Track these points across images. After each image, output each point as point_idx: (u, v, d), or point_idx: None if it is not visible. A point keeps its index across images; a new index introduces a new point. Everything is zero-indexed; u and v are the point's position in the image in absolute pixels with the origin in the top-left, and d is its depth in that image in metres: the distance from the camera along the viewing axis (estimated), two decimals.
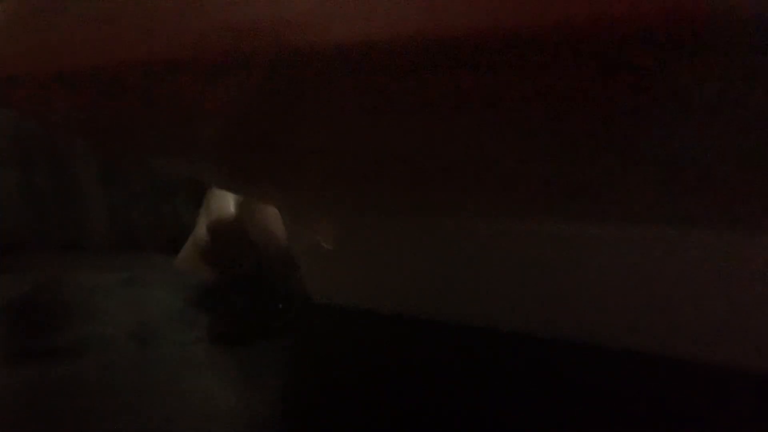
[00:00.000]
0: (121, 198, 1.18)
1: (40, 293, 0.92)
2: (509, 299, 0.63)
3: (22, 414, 0.57)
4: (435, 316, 0.65)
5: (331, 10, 0.30)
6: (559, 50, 0.27)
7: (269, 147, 0.51)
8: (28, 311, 0.85)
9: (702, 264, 0.55)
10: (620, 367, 0.57)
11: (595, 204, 0.54)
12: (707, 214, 0.53)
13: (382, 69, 0.32)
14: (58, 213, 1.18)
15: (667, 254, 0.56)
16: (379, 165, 0.51)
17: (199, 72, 0.38)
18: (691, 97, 0.30)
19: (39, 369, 0.66)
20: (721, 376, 0.54)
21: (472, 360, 0.59)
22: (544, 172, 0.46)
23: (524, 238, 0.60)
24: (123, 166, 1.18)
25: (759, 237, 0.53)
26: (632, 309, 0.59)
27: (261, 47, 0.32)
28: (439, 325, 0.65)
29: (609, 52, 0.26)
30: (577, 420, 0.49)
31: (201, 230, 0.88)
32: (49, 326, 0.78)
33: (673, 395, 0.52)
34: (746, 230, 0.53)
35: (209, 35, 0.34)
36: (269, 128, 0.47)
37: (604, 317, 0.59)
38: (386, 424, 0.50)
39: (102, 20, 0.38)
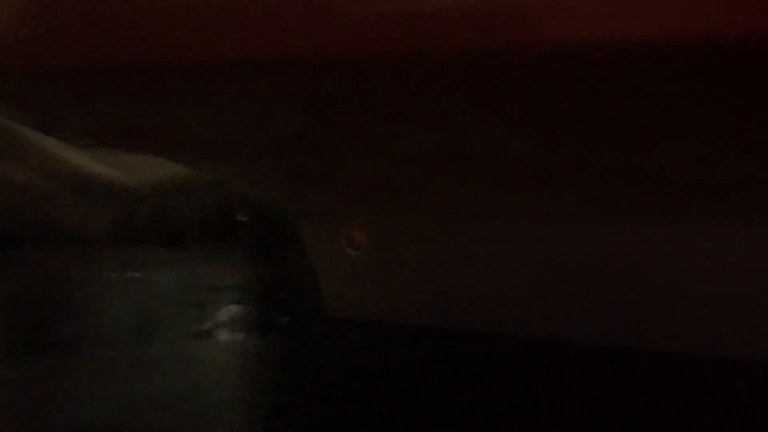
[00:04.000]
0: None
1: (41, 287, 0.91)
2: (532, 306, 0.63)
3: (23, 405, 0.57)
4: (464, 326, 0.65)
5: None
6: None
7: (322, 152, 0.51)
8: (29, 305, 0.85)
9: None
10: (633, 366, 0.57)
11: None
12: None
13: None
14: (59, 208, 1.18)
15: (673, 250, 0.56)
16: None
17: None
18: None
19: (40, 361, 0.66)
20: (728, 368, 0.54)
21: (503, 367, 0.59)
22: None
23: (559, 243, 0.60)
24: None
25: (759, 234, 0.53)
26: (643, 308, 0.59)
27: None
28: (467, 334, 0.65)
29: None
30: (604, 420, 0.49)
31: None
32: (50, 320, 0.78)
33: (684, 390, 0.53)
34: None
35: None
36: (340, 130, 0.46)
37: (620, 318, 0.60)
38: None
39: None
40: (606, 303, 0.60)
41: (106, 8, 0.38)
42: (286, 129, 0.48)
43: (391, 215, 0.67)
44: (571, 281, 0.61)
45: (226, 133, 0.50)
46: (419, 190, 0.60)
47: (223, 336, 0.74)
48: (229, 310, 0.81)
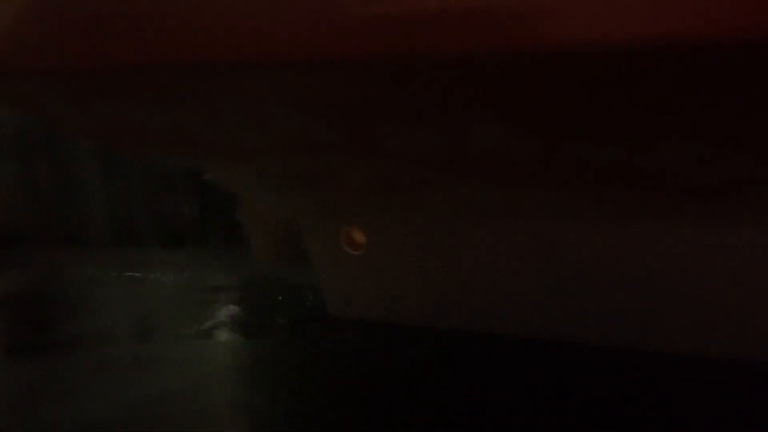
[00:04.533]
0: (123, 193, 1.18)
1: (41, 287, 0.91)
2: (535, 308, 0.62)
3: (22, 405, 0.57)
4: (463, 327, 0.65)
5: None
6: None
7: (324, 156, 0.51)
8: (29, 305, 0.85)
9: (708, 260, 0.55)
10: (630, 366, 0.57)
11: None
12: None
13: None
14: (59, 208, 1.18)
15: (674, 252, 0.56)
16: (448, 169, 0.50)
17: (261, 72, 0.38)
18: None
19: (39, 361, 0.66)
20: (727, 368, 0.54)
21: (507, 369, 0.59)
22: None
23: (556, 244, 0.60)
24: (124, 161, 1.17)
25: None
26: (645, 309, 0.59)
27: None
28: (468, 335, 0.64)
29: None
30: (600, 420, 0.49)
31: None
32: (49, 319, 0.78)
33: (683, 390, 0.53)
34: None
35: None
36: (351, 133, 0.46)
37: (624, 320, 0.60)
38: None
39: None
40: (604, 303, 0.60)
41: (107, 9, 0.38)
42: (286, 129, 0.47)
43: (391, 215, 0.67)
44: (571, 281, 0.61)
45: (226, 133, 0.50)
46: (419, 190, 0.59)
47: (224, 336, 0.74)
48: (229, 310, 0.81)
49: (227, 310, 0.79)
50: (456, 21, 0.31)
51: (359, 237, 0.69)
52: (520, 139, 0.44)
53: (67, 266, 1.02)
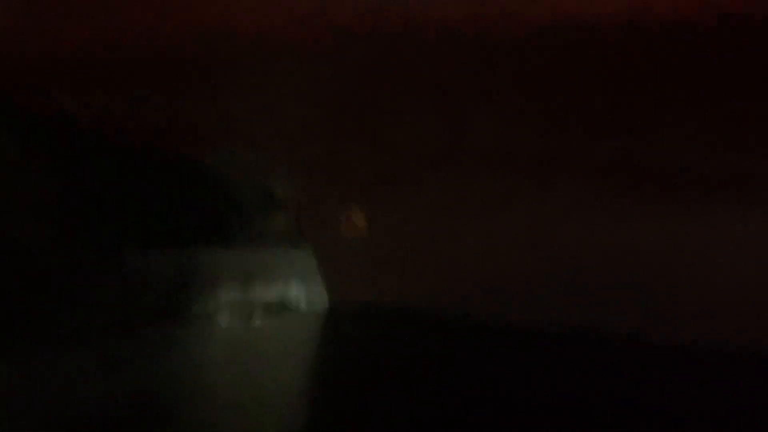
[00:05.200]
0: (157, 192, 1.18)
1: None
2: (536, 294, 0.63)
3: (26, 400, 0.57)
4: (466, 311, 0.65)
5: None
6: None
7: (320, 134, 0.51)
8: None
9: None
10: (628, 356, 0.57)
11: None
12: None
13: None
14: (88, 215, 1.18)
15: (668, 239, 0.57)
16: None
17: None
18: None
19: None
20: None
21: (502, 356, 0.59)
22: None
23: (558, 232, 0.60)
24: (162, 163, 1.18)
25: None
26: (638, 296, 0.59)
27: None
28: (470, 322, 0.64)
29: None
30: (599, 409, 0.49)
31: None
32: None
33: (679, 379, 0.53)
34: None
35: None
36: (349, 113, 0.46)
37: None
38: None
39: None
40: (606, 293, 0.60)
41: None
42: (290, 118, 0.48)
43: (392, 202, 0.67)
44: (569, 269, 0.61)
45: (230, 122, 0.50)
46: (420, 178, 0.60)
47: (226, 322, 0.75)
48: (231, 297, 0.82)
49: (230, 298, 0.79)
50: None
51: (360, 222, 0.69)
52: (521, 130, 0.44)
53: None
